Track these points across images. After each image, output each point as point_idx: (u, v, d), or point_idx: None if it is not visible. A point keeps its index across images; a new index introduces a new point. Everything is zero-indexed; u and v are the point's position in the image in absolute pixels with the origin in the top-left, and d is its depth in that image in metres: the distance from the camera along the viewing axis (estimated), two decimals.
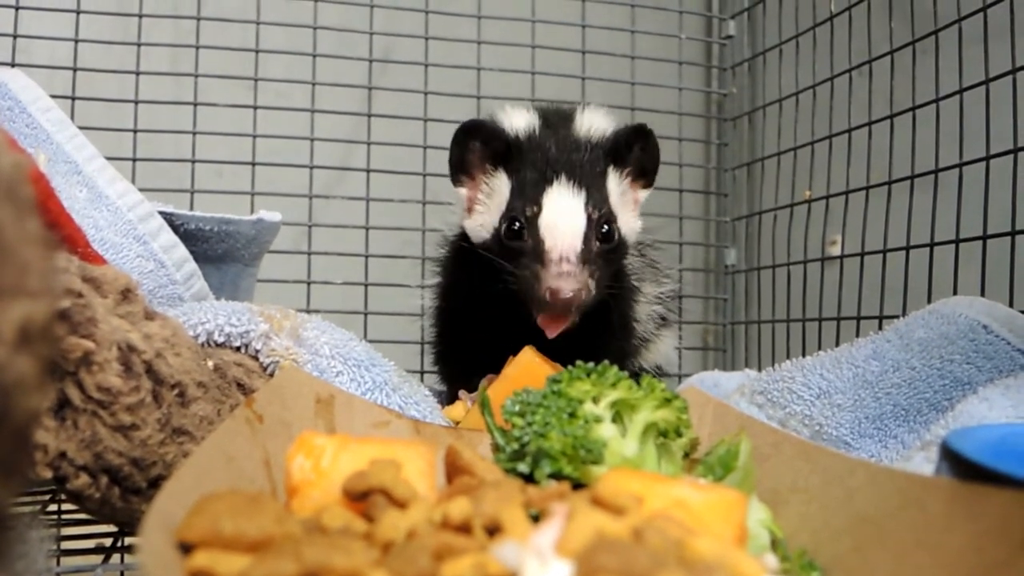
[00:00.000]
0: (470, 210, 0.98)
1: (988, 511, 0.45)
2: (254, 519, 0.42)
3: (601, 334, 0.97)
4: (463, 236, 1.02)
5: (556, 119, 0.98)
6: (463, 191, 0.99)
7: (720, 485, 0.57)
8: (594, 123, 0.97)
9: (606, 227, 0.91)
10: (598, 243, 0.90)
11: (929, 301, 1.04)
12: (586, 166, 0.92)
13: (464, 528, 0.43)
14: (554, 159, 0.92)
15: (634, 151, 0.97)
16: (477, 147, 0.96)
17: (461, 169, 0.99)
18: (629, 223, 0.97)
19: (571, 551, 0.38)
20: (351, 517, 0.45)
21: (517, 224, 0.91)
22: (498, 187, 0.95)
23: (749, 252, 1.73)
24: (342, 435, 0.53)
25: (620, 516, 0.42)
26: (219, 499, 0.43)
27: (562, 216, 0.89)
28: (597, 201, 0.91)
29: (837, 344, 1.03)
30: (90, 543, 1.04)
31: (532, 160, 0.93)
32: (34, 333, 0.35)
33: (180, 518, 0.42)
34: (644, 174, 0.99)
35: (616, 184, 0.96)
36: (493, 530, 0.43)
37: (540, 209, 0.89)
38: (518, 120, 0.97)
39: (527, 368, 0.88)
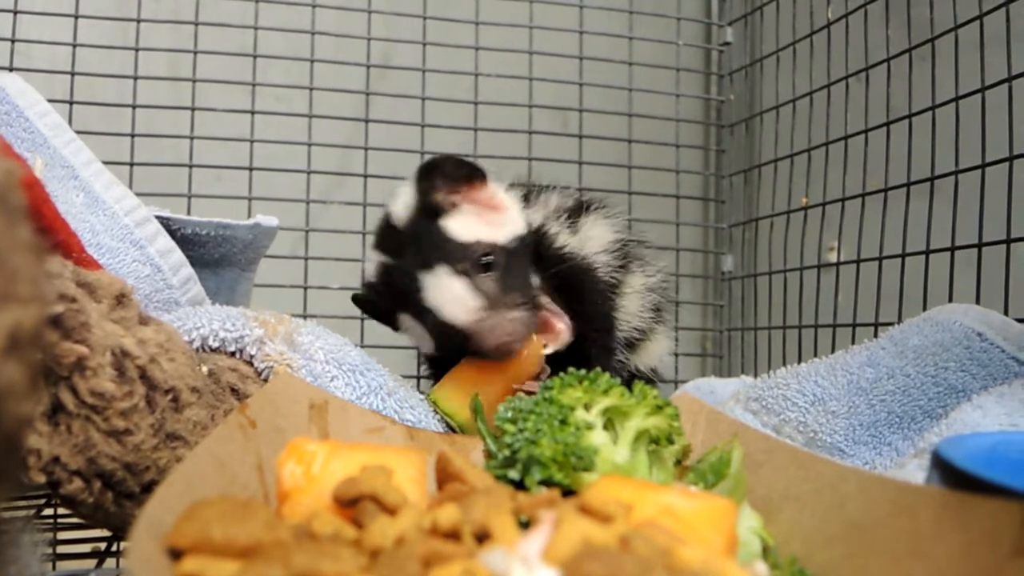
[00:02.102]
0: (419, 340, 1.02)
1: (978, 520, 0.45)
2: (244, 525, 0.42)
3: (581, 332, 0.98)
4: None
5: (387, 235, 1.00)
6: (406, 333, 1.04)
7: (710, 493, 0.57)
8: (400, 205, 0.98)
9: (482, 259, 0.91)
10: (486, 275, 0.91)
11: (925, 308, 1.04)
12: (426, 246, 0.93)
13: (453, 535, 0.43)
14: (407, 268, 0.95)
15: (441, 186, 0.96)
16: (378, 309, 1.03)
17: (391, 325, 1.03)
18: (505, 224, 0.96)
19: (558, 559, 0.38)
20: (341, 523, 0.45)
21: (438, 334, 0.94)
22: (410, 324, 0.99)
23: (746, 258, 1.73)
24: (333, 441, 0.53)
25: (607, 524, 0.42)
26: (209, 505, 0.43)
27: (449, 295, 0.91)
28: (455, 256, 0.91)
29: (833, 351, 1.03)
30: (86, 547, 1.04)
31: (398, 287, 0.96)
32: (23, 340, 0.35)
33: (171, 524, 0.42)
34: (470, 180, 0.97)
35: (461, 219, 0.95)
36: (482, 537, 0.43)
37: (433, 310, 0.92)
38: (369, 270, 1.01)
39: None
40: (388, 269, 0.97)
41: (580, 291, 0.98)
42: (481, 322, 0.88)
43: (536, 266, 0.97)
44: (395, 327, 1.02)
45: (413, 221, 0.95)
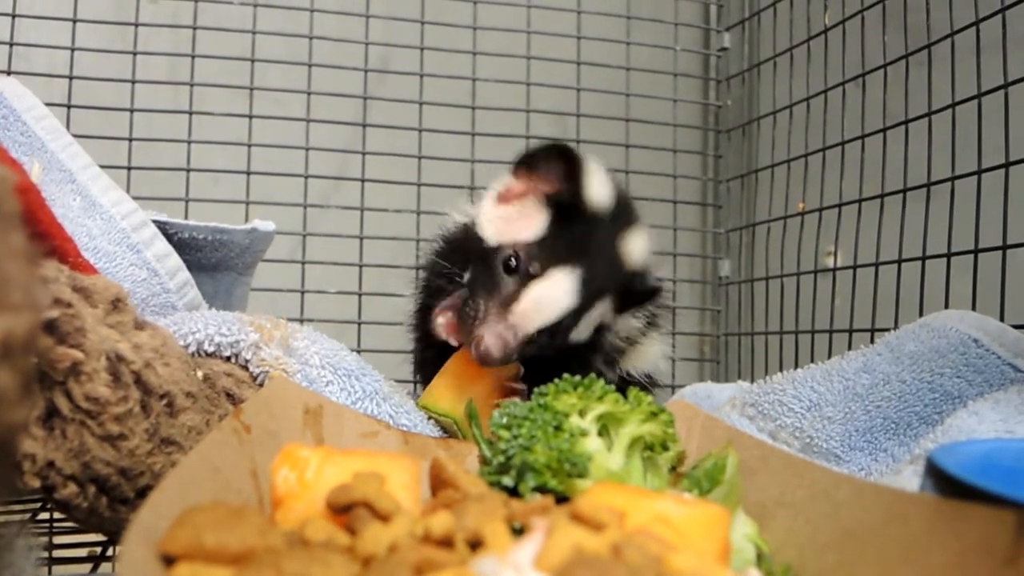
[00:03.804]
0: (501, 199, 0.96)
1: (971, 528, 0.45)
2: (236, 531, 0.42)
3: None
4: (448, 238, 1.03)
5: (619, 216, 0.94)
6: (512, 181, 0.96)
7: (704, 500, 0.57)
8: (635, 248, 0.94)
9: (562, 332, 0.90)
10: (547, 336, 0.89)
11: (921, 314, 1.05)
12: (600, 279, 0.90)
13: (446, 542, 0.43)
14: (588, 249, 0.90)
15: (638, 298, 0.96)
16: (555, 171, 0.93)
17: (531, 167, 0.94)
18: (581, 332, 0.94)
19: (550, 567, 0.38)
20: (334, 530, 0.45)
21: (515, 263, 0.89)
22: (535, 218, 0.92)
23: (743, 263, 1.73)
24: (327, 447, 0.53)
25: (600, 532, 0.42)
26: (202, 511, 0.43)
27: (551, 300, 0.87)
28: (580, 309, 0.89)
29: (830, 356, 1.03)
30: (82, 552, 1.04)
31: (576, 232, 0.91)
32: (15, 347, 0.35)
33: (164, 530, 0.42)
34: (624, 307, 0.97)
35: (603, 305, 0.94)
36: (475, 544, 0.43)
37: (542, 276, 0.88)
38: (597, 189, 0.93)
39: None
40: (602, 219, 0.93)
41: None
42: (509, 331, 0.87)
43: None
44: (519, 172, 0.95)
45: (632, 281, 0.94)
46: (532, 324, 0.87)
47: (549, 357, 0.92)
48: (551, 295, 0.87)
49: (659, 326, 1.10)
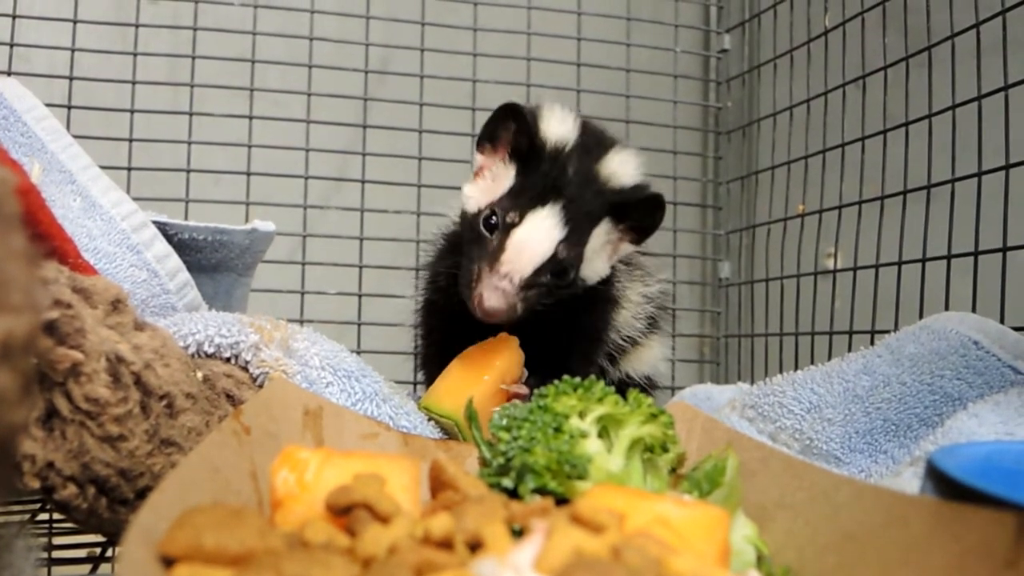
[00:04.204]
0: (477, 175, 0.99)
1: (971, 530, 0.45)
2: (236, 533, 0.42)
3: (568, 338, 0.98)
4: (449, 235, 1.04)
5: (590, 145, 0.96)
6: (480, 157, 0.99)
7: (704, 502, 0.57)
8: (619, 169, 0.96)
9: (564, 269, 0.91)
10: (549, 276, 0.90)
11: (921, 316, 1.05)
12: (584, 207, 0.92)
13: (446, 544, 0.43)
14: (561, 183, 0.92)
15: (637, 214, 0.96)
16: (511, 129, 0.96)
17: (489, 138, 0.98)
18: (596, 269, 0.96)
19: (549, 569, 0.38)
20: (334, 532, 0.45)
21: (495, 219, 0.91)
22: (504, 176, 0.95)
23: (743, 265, 1.73)
24: (326, 449, 0.53)
25: (599, 534, 0.42)
26: (202, 512, 0.43)
27: (533, 241, 0.89)
28: (573, 242, 0.91)
29: (830, 358, 1.02)
30: (81, 552, 1.04)
31: (544, 172, 0.92)
32: (15, 348, 0.35)
33: (164, 531, 0.42)
34: (640, 233, 0.98)
35: (604, 232, 0.95)
36: (475, 546, 0.43)
37: (520, 222, 0.90)
38: (556, 127, 0.95)
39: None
40: (562, 153, 0.94)
41: (590, 300, 0.98)
42: (507, 281, 0.88)
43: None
44: (481, 146, 0.99)
45: (606, 185, 0.94)
46: (523, 267, 0.88)
47: (554, 349, 0.94)
48: (532, 235, 0.89)
49: (660, 328, 1.10)
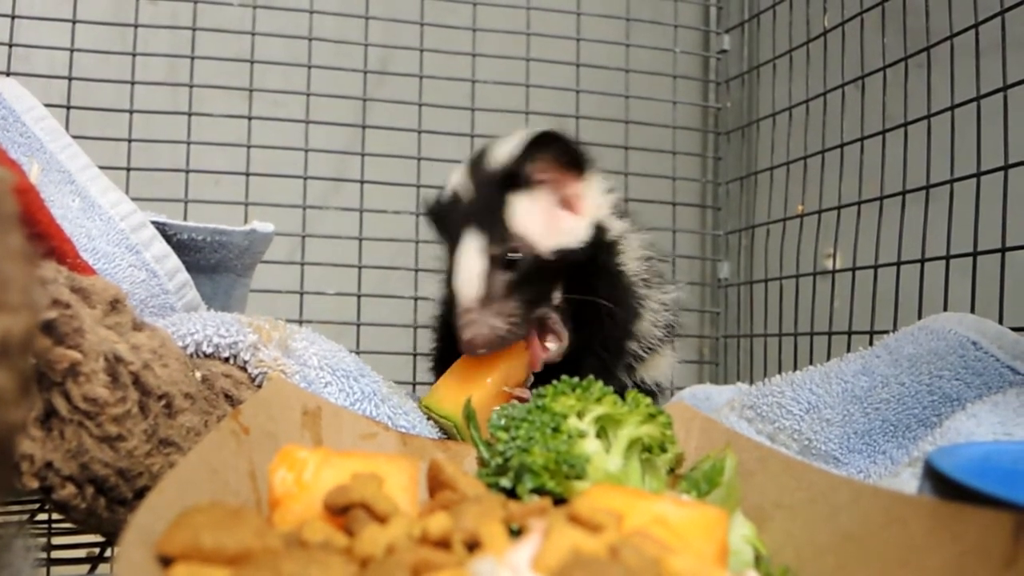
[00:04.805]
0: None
1: (969, 530, 0.45)
2: (234, 532, 0.42)
3: (592, 344, 0.98)
4: None
5: (478, 163, 0.98)
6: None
7: (702, 501, 0.57)
8: (500, 152, 0.97)
9: (511, 255, 0.92)
10: (504, 273, 0.91)
11: (920, 316, 1.05)
12: (485, 205, 0.94)
13: (444, 543, 0.43)
14: (464, 210, 0.95)
15: (541, 161, 0.95)
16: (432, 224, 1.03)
17: (436, 225, 1.04)
18: (566, 230, 0.95)
19: (547, 568, 0.38)
20: (332, 531, 0.45)
21: (447, 281, 0.95)
22: (446, 248, 0.99)
23: (743, 265, 1.73)
24: (325, 449, 0.53)
25: (597, 533, 0.42)
26: (200, 512, 0.43)
27: (463, 268, 0.91)
28: (497, 235, 0.92)
29: (829, 359, 1.02)
30: (80, 552, 1.04)
31: (454, 217, 0.96)
32: (13, 348, 0.35)
33: (162, 531, 0.42)
34: (569, 168, 0.96)
35: (528, 204, 0.94)
36: (473, 546, 0.43)
37: (455, 265, 0.93)
38: (455, 177, 0.99)
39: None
40: (457, 193, 0.97)
41: (617, 308, 0.98)
42: (467, 312, 0.90)
43: (596, 274, 0.97)
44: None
45: (496, 171, 0.95)
46: (468, 290, 0.91)
47: (576, 359, 0.95)
48: (460, 263, 0.92)
49: (676, 335, 1.10)
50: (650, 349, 1.05)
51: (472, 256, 0.91)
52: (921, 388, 0.89)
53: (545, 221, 0.94)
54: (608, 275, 0.98)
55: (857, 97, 1.35)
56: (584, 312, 0.96)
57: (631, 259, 1.02)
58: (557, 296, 0.95)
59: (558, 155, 0.95)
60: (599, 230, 0.97)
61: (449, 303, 0.97)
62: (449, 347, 1.02)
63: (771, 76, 1.60)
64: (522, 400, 0.92)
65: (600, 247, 0.98)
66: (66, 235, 0.81)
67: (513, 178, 0.94)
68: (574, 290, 0.95)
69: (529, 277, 0.92)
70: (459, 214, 0.94)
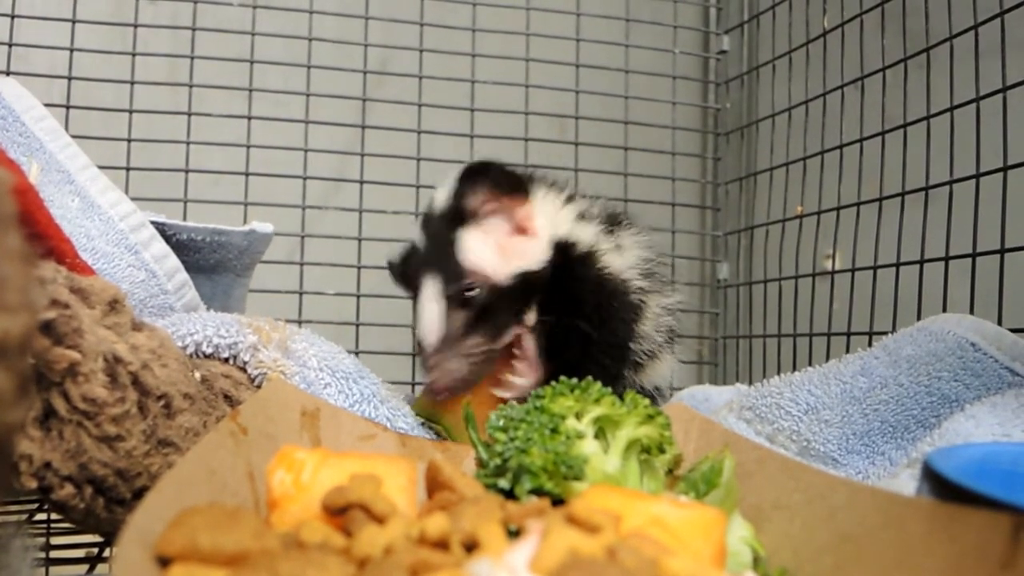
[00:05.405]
0: None
1: (967, 532, 0.45)
2: (232, 533, 0.42)
3: (593, 354, 0.97)
4: None
5: (428, 209, 0.99)
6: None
7: (700, 503, 0.57)
8: (441, 194, 0.97)
9: (466, 292, 0.91)
10: (461, 311, 0.91)
11: (919, 318, 1.05)
12: (436, 248, 0.94)
13: (442, 544, 0.43)
14: (420, 258, 0.95)
15: (481, 192, 0.93)
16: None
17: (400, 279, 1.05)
18: (522, 253, 0.94)
19: (545, 569, 0.38)
20: (330, 532, 0.45)
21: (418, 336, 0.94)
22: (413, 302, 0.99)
23: (742, 266, 1.73)
24: (323, 449, 0.53)
25: (595, 534, 0.42)
26: (197, 513, 0.43)
27: (423, 314, 0.91)
28: (450, 275, 0.91)
29: (828, 359, 1.02)
30: (79, 552, 1.04)
31: (414, 268, 0.96)
32: (12, 348, 0.35)
33: (160, 531, 0.42)
34: (512, 192, 0.94)
35: (479, 236, 0.94)
36: (471, 546, 0.43)
37: (416, 314, 0.93)
38: (411, 233, 1.01)
39: None
40: (413, 250, 0.98)
41: (608, 316, 0.96)
42: (431, 357, 0.89)
43: (573, 287, 0.95)
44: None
45: (441, 213, 0.95)
46: (428, 332, 0.91)
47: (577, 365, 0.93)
48: (421, 309, 0.92)
49: (676, 339, 1.10)
50: (651, 354, 1.04)
51: (430, 300, 0.91)
52: (920, 389, 0.89)
53: (499, 250, 0.93)
54: (589, 284, 0.96)
55: (857, 98, 1.35)
56: (566, 328, 0.94)
57: (621, 257, 1.01)
58: (531, 318, 0.94)
59: (495, 183, 0.93)
60: (562, 245, 0.96)
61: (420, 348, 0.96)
62: None
63: (771, 77, 1.60)
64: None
65: (570, 260, 0.96)
66: (65, 235, 0.80)
67: (457, 215, 0.94)
68: (552, 310, 0.94)
69: (488, 309, 0.91)
70: (417, 264, 0.95)
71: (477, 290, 0.91)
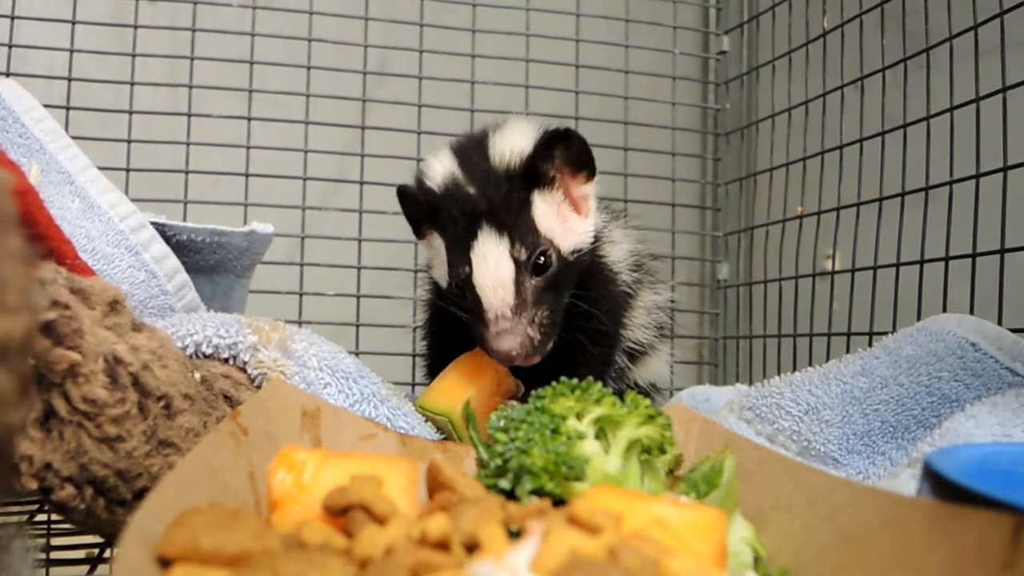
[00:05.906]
0: (432, 261, 0.99)
1: (967, 532, 0.45)
2: (232, 534, 0.42)
3: (583, 340, 0.97)
4: None
5: (474, 153, 0.94)
6: (423, 246, 1.00)
7: (701, 503, 0.57)
8: (509, 146, 0.93)
9: (540, 259, 0.88)
10: (534, 278, 0.88)
11: (919, 318, 1.04)
12: (505, 204, 0.89)
13: (442, 544, 0.43)
14: (473, 207, 0.90)
15: (557, 159, 0.92)
16: (415, 209, 0.96)
17: (415, 228, 0.99)
18: (577, 231, 0.93)
19: (546, 570, 0.38)
20: (331, 532, 0.45)
21: (457, 285, 0.90)
22: (438, 246, 0.95)
23: (742, 267, 1.73)
24: (324, 450, 0.53)
25: (596, 535, 0.42)
26: (198, 513, 0.43)
27: (489, 272, 0.87)
28: (523, 237, 0.88)
29: (828, 360, 1.02)
30: (80, 553, 1.04)
31: (455, 214, 0.91)
32: (13, 349, 0.35)
33: (161, 532, 0.42)
34: (581, 168, 0.94)
35: (547, 203, 0.92)
36: (472, 547, 0.43)
37: (470, 268, 0.88)
38: (437, 169, 0.94)
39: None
40: (457, 183, 0.92)
41: (600, 303, 0.96)
42: (503, 320, 0.86)
43: (584, 275, 0.95)
44: (417, 234, 0.99)
45: (510, 166, 0.91)
46: (502, 299, 0.87)
47: (567, 358, 0.93)
48: (485, 269, 0.88)
49: (667, 336, 1.10)
50: (642, 349, 1.05)
51: (499, 260, 0.87)
52: (920, 389, 0.89)
53: (558, 220, 0.92)
54: (593, 269, 0.97)
55: (856, 98, 1.35)
56: (574, 312, 0.94)
57: (613, 249, 1.01)
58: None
59: (576, 154, 0.92)
60: (596, 231, 0.96)
61: (445, 301, 0.93)
62: (442, 350, 1.02)
63: (770, 77, 1.60)
64: (515, 397, 0.92)
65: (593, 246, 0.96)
66: (65, 236, 0.81)
67: (530, 175, 0.91)
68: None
69: (556, 281, 0.90)
70: (467, 211, 0.89)
71: (551, 262, 0.89)
